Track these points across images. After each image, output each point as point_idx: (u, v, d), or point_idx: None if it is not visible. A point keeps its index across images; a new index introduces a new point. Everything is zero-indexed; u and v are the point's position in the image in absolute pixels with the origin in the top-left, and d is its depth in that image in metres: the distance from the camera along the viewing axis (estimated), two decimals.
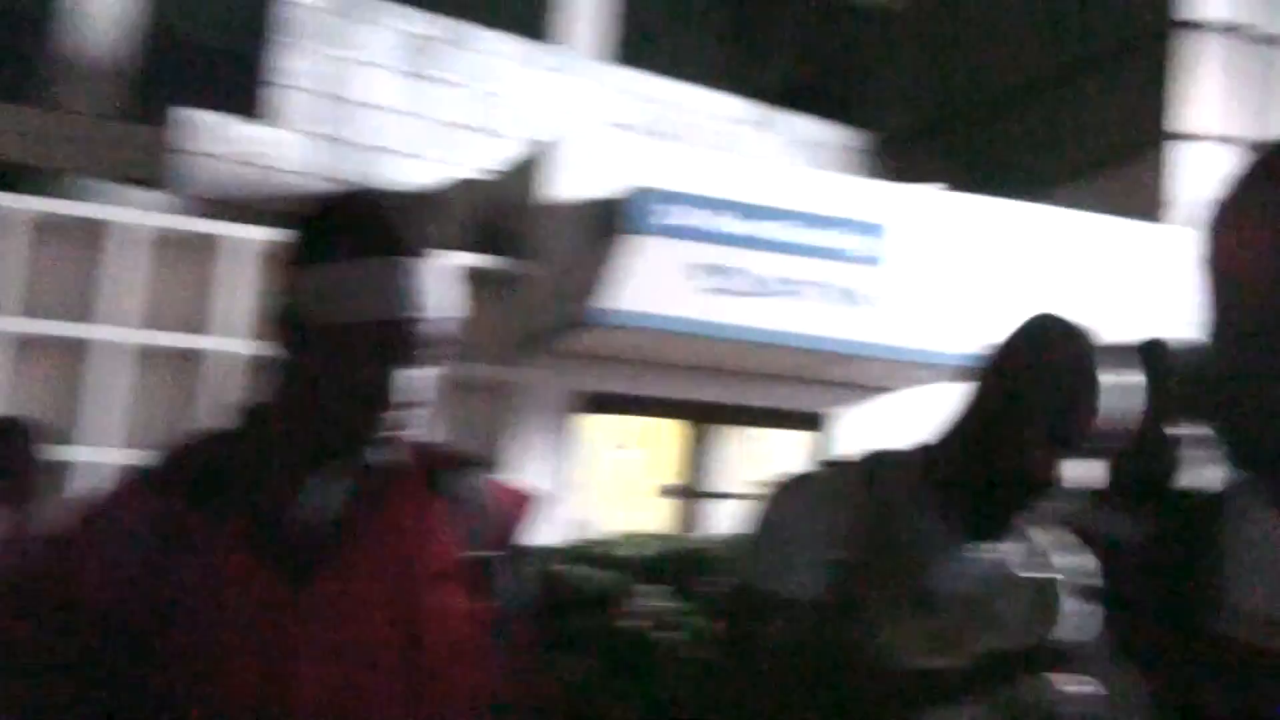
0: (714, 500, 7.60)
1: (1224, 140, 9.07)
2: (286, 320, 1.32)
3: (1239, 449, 0.89)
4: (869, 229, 8.14)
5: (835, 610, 1.53)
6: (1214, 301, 0.91)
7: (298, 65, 9.34)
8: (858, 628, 1.52)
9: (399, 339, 1.30)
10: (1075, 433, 1.56)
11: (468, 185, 8.81)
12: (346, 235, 1.31)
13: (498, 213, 8.26)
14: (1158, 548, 1.01)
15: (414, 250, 1.31)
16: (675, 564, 4.44)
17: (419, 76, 9.88)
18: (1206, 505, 0.98)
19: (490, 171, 9.14)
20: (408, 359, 1.30)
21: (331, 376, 1.30)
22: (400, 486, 1.41)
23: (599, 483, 7.79)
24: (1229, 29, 9.23)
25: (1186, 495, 1.04)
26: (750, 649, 1.53)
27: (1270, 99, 9.13)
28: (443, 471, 1.44)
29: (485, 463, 1.50)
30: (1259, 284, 0.86)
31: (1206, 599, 0.94)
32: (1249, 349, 0.87)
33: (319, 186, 8.70)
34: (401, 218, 1.33)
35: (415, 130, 9.81)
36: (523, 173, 8.39)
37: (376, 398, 1.30)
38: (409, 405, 1.32)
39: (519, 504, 1.49)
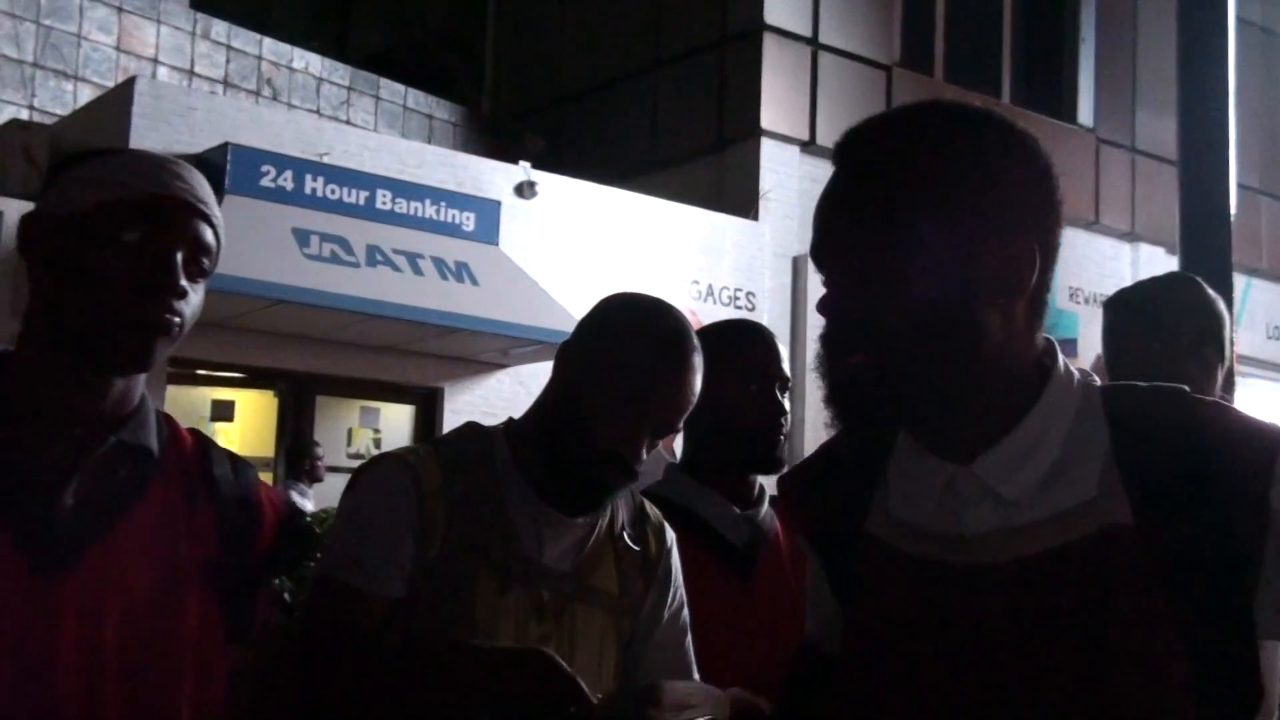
0: (316, 473, 7.40)
1: (792, 140, 10.00)
2: None
3: (902, 415, 1.08)
4: (487, 206, 8.23)
5: (417, 603, 1.48)
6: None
7: None
8: (450, 606, 1.48)
9: None
10: (654, 411, 1.53)
11: (26, 127, 7.94)
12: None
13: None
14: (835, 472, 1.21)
15: None
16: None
17: None
18: (875, 444, 1.16)
19: (56, 114, 8.33)
20: None
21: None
22: (166, 474, 1.29)
23: None
24: (800, 38, 10.17)
25: (852, 436, 1.22)
26: (325, 638, 1.45)
27: (824, 103, 10.18)
28: (214, 465, 1.33)
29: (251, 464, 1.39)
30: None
31: (870, 509, 1.13)
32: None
33: None
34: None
35: None
36: (95, 118, 7.74)
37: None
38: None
39: (274, 512, 1.39)
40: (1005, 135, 1.05)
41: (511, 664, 1.38)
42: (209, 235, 1.28)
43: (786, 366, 2.04)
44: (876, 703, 1.09)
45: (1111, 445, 1.03)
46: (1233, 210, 4.34)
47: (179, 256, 1.24)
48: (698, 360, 1.57)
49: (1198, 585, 0.97)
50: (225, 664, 1.28)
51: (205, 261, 1.28)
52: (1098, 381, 1.09)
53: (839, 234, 1.06)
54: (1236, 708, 0.98)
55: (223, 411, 8.18)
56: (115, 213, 1.22)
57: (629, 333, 1.56)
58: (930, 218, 1.01)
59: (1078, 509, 1.01)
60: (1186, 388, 1.07)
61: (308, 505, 6.50)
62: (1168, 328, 2.06)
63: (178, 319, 1.23)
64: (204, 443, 1.37)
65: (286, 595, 3.88)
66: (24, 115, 8.58)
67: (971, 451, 1.05)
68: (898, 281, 1.01)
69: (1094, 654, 0.97)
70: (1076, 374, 1.08)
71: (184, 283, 1.24)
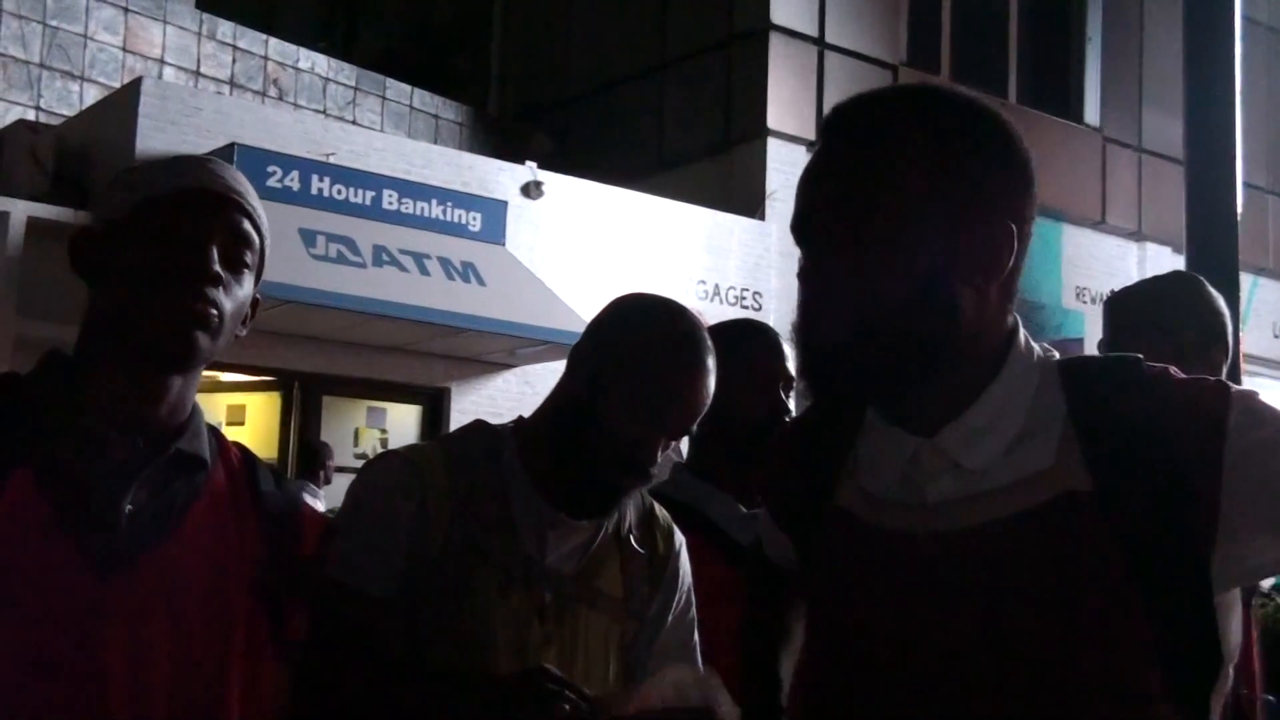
0: (327, 475, 7.40)
1: (798, 140, 9.99)
2: None
3: (872, 388, 1.09)
4: (493, 206, 8.23)
5: (417, 601, 1.47)
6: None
7: None
8: (450, 605, 1.47)
9: None
10: (671, 414, 1.52)
11: (33, 128, 7.96)
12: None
13: (73, 160, 7.56)
14: (801, 444, 1.23)
15: None
16: None
17: None
18: (845, 420, 1.18)
19: (62, 115, 8.35)
20: None
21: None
22: (216, 485, 1.30)
23: None
24: (806, 37, 10.16)
25: (815, 415, 1.24)
26: (324, 639, 1.41)
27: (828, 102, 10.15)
28: (260, 479, 1.35)
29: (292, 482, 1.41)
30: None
31: (839, 482, 1.16)
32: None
33: None
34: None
35: None
36: (102, 118, 7.76)
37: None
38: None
39: (316, 528, 1.41)
40: (989, 122, 1.07)
41: (514, 689, 1.38)
42: (247, 226, 1.28)
43: (792, 366, 2.04)
44: (843, 672, 1.10)
45: (1068, 414, 1.05)
46: (1239, 209, 4.33)
47: (213, 246, 1.23)
48: (712, 362, 1.56)
49: (1156, 546, 0.99)
50: (271, 678, 1.28)
51: (246, 254, 1.27)
52: (1056, 356, 1.11)
53: (821, 208, 1.07)
54: (1198, 668, 0.99)
55: (235, 416, 8.21)
56: (148, 210, 1.23)
57: (643, 335, 1.55)
58: (912, 195, 1.03)
59: (1037, 477, 1.03)
60: (1140, 355, 1.09)
61: (319, 505, 6.53)
62: (1169, 327, 2.05)
63: (214, 309, 1.22)
64: (249, 457, 1.38)
65: None
66: (30, 116, 8.61)
67: (935, 425, 1.07)
68: (877, 257, 1.03)
69: (1055, 619, 0.98)
70: (1037, 349, 1.10)
71: (219, 270, 1.23)
